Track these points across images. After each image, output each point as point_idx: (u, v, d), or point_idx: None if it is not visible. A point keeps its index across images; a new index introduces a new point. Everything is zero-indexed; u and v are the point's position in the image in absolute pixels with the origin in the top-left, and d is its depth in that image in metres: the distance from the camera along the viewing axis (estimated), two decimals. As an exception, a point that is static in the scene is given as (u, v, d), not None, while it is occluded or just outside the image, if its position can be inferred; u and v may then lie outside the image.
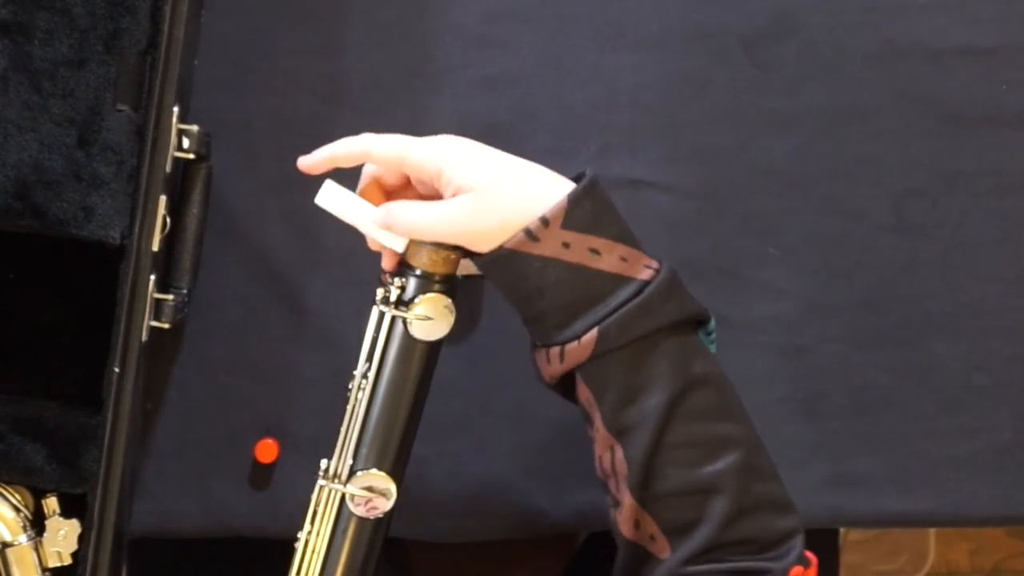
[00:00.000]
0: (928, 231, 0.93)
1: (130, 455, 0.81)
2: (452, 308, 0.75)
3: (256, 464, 0.91)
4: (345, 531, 0.76)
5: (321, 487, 0.76)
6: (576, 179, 0.74)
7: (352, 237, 0.90)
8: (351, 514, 0.76)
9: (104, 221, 0.76)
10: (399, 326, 0.75)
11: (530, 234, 0.71)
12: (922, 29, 0.92)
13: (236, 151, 0.89)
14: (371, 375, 0.75)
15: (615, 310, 0.71)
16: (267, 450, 0.90)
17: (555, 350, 0.73)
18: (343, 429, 0.76)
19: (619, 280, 0.71)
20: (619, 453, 0.73)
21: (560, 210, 0.71)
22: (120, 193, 0.76)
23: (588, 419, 0.75)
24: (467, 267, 0.87)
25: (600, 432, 0.74)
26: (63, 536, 0.78)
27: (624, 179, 0.91)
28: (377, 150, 0.74)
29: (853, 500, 0.93)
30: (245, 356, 0.90)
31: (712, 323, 0.75)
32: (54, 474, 0.78)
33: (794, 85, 0.91)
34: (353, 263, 0.89)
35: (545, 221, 0.71)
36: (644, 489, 0.72)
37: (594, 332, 0.71)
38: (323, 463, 0.76)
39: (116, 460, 0.77)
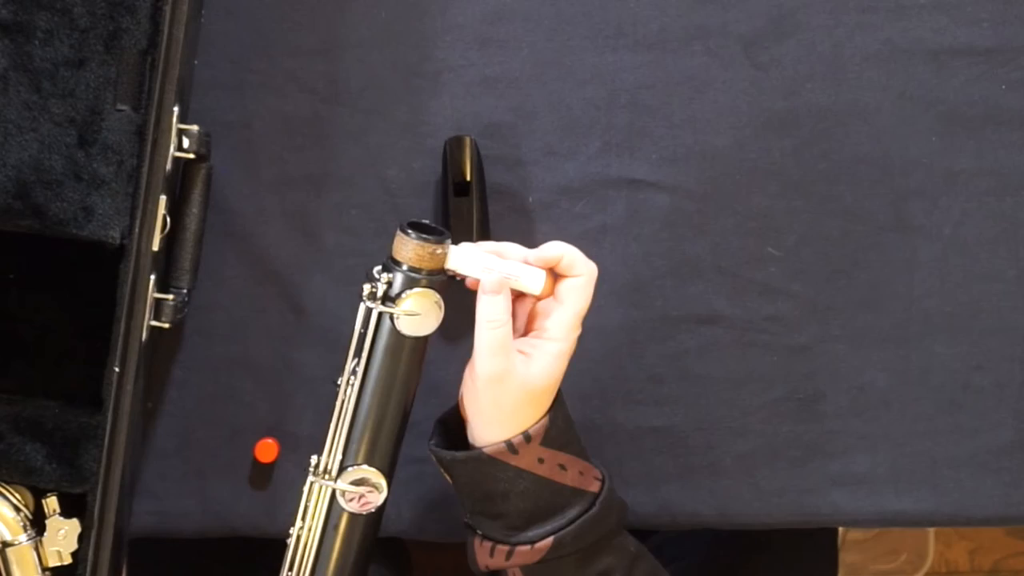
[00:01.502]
0: (928, 231, 0.93)
1: (130, 455, 0.81)
2: (440, 303, 0.75)
3: (256, 464, 0.91)
4: (336, 527, 0.77)
5: (312, 483, 0.76)
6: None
7: (352, 237, 0.90)
8: (342, 509, 0.76)
9: (104, 221, 0.76)
10: (386, 322, 0.75)
11: (511, 447, 0.75)
12: (922, 29, 0.92)
13: (236, 151, 0.89)
14: (359, 371, 0.75)
15: (571, 522, 0.76)
16: (267, 450, 0.90)
17: (503, 548, 0.77)
18: (332, 425, 0.76)
19: (576, 493, 0.77)
20: None
21: (542, 429, 0.76)
22: (120, 193, 0.76)
23: None
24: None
25: None
26: (63, 536, 0.78)
27: (624, 179, 0.91)
28: (566, 262, 0.76)
29: (853, 500, 0.93)
30: (245, 356, 0.90)
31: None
32: (54, 474, 0.78)
33: (794, 85, 0.91)
34: (353, 263, 0.90)
35: (528, 437, 0.75)
36: None
37: (549, 540, 0.76)
38: (313, 459, 0.76)
39: (116, 460, 0.77)
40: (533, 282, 0.76)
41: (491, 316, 0.74)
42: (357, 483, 0.76)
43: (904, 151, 0.92)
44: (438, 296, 0.75)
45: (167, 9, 0.75)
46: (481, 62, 0.90)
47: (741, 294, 0.92)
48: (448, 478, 0.79)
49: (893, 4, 0.91)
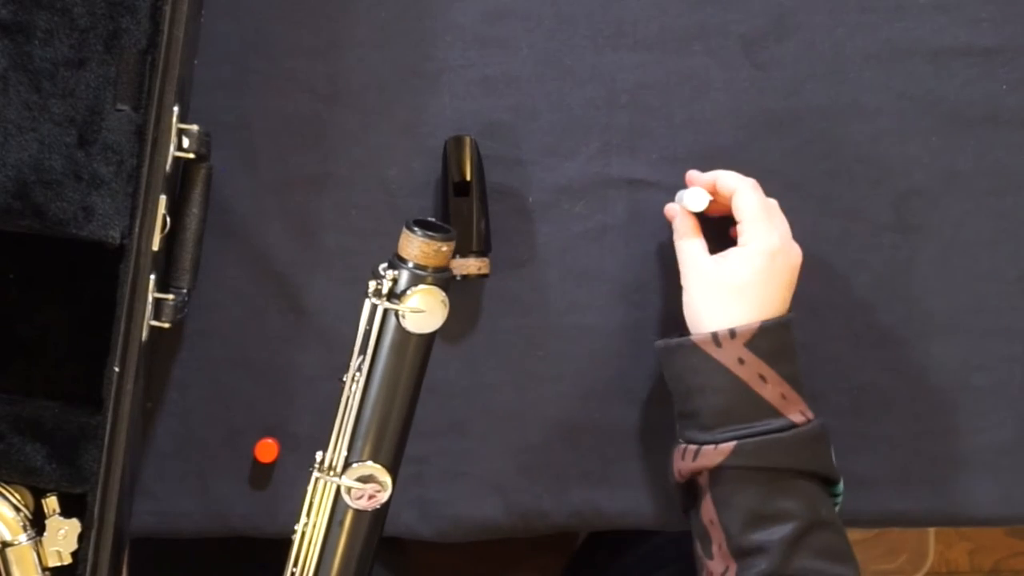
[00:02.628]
0: (928, 231, 0.93)
1: (130, 455, 0.81)
2: (446, 301, 0.75)
3: (256, 464, 0.91)
4: (341, 523, 0.77)
5: (316, 479, 0.76)
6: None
7: (352, 237, 0.90)
8: (347, 506, 0.76)
9: (104, 221, 0.76)
10: (392, 319, 0.75)
11: (716, 339, 0.78)
12: (922, 29, 0.92)
13: (236, 151, 0.89)
14: (364, 368, 0.75)
15: (759, 434, 0.77)
16: (267, 450, 0.90)
17: (692, 448, 0.79)
18: (337, 421, 0.76)
19: (772, 411, 0.79)
20: (733, 573, 0.77)
21: (750, 332, 0.79)
22: (120, 193, 0.76)
23: (703, 538, 0.79)
24: (466, 267, 0.87)
25: (720, 550, 0.78)
26: (63, 536, 0.78)
27: (624, 179, 0.91)
28: (722, 184, 0.85)
29: (853, 500, 0.93)
30: (245, 356, 0.90)
31: (840, 486, 0.81)
32: (54, 474, 0.78)
33: (794, 85, 0.91)
34: (353, 263, 0.90)
35: (732, 334, 0.78)
36: None
37: (732, 444, 0.77)
38: (318, 455, 0.76)
39: (116, 460, 0.77)
40: (695, 202, 0.85)
41: (677, 229, 0.86)
42: (362, 479, 0.76)
43: (904, 151, 0.92)
44: (443, 293, 0.75)
45: (167, 9, 0.75)
46: (481, 62, 0.90)
47: (741, 294, 0.92)
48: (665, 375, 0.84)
49: (893, 4, 0.91)
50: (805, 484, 0.78)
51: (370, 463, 0.76)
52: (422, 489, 0.91)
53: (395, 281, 0.75)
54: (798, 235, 0.90)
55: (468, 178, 0.87)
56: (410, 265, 0.74)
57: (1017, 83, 0.92)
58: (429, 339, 0.76)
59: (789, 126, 0.91)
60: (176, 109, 0.76)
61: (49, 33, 0.75)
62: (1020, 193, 0.93)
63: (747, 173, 0.91)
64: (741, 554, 0.77)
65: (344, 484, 0.76)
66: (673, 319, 0.91)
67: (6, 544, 0.78)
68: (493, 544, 0.96)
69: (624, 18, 0.91)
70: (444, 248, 0.74)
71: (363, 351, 0.75)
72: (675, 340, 0.82)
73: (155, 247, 0.77)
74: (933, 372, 0.93)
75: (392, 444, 0.76)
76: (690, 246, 0.84)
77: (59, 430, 0.78)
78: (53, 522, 0.78)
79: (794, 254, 0.83)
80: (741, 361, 0.78)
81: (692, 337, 0.80)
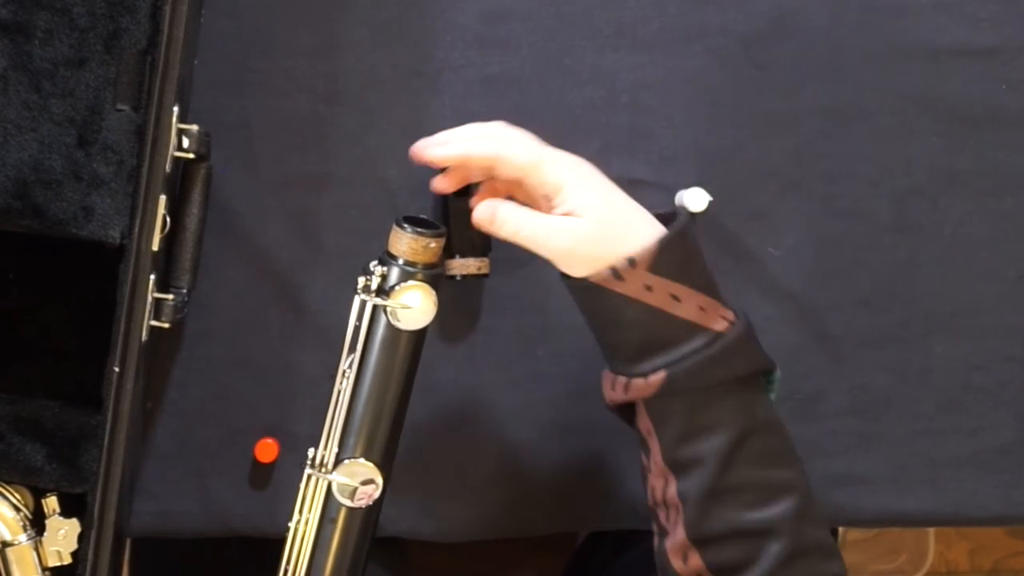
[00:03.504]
0: (928, 231, 0.93)
1: (130, 455, 0.81)
2: (435, 297, 0.75)
3: (256, 464, 0.91)
4: (334, 520, 0.77)
5: (309, 476, 0.76)
6: (665, 217, 0.76)
7: (352, 237, 0.90)
8: (339, 503, 0.76)
9: (104, 221, 0.76)
10: (381, 315, 0.75)
11: (616, 273, 0.73)
12: (922, 29, 0.92)
13: (236, 151, 0.89)
14: (355, 365, 0.75)
15: (686, 357, 0.73)
16: (267, 450, 0.90)
17: (621, 379, 0.76)
18: (328, 419, 0.76)
19: (694, 329, 0.74)
20: (673, 487, 0.75)
21: (648, 254, 0.73)
22: (120, 193, 0.76)
23: (644, 447, 0.77)
24: (466, 267, 0.87)
25: (656, 463, 0.75)
26: (63, 536, 0.78)
27: (624, 179, 0.90)
28: (509, 155, 0.76)
29: (853, 500, 0.93)
30: (245, 356, 0.90)
31: (777, 373, 0.77)
32: (54, 474, 0.78)
33: (794, 85, 0.91)
34: (353, 263, 0.89)
35: (632, 262, 0.73)
36: (699, 527, 0.74)
37: (662, 374, 0.73)
38: (311, 452, 0.76)
39: (116, 460, 0.77)
40: (695, 202, 0.85)
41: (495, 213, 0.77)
42: (354, 477, 0.76)
43: (904, 151, 0.92)
44: (433, 290, 0.75)
45: (167, 9, 0.75)
46: (481, 62, 0.90)
47: (741, 294, 0.92)
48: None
49: (893, 4, 0.91)
50: (738, 388, 0.74)
51: (362, 460, 0.76)
52: (422, 489, 0.91)
53: (384, 277, 0.75)
54: (798, 235, 0.90)
55: (468, 178, 0.87)
56: (400, 262, 0.74)
57: (1017, 83, 0.92)
58: (419, 335, 0.76)
59: (789, 126, 0.91)
60: (176, 109, 0.76)
61: (49, 33, 0.75)
62: (1020, 193, 0.93)
63: (747, 173, 0.91)
64: (678, 467, 0.74)
65: (335, 481, 0.76)
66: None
67: (6, 544, 0.78)
68: (493, 544, 0.96)
69: (624, 18, 0.91)
70: (433, 244, 0.74)
71: (353, 348, 0.75)
72: (573, 280, 0.75)
73: (155, 247, 0.77)
74: (933, 372, 0.93)
75: (384, 441, 0.76)
76: (518, 214, 0.76)
77: (59, 430, 0.78)
78: (53, 522, 0.78)
79: (570, 158, 0.77)
80: (649, 288, 0.73)
81: (591, 278, 0.74)
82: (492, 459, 0.92)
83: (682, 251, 0.75)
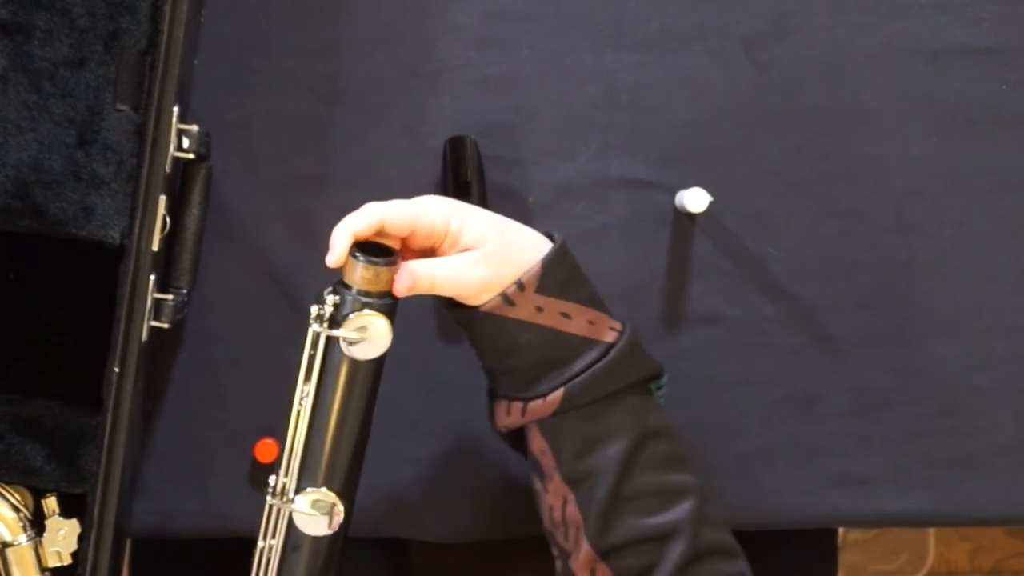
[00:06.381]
0: (928, 231, 0.93)
1: (130, 455, 0.81)
2: (388, 327, 0.73)
3: (256, 464, 0.90)
4: (298, 547, 0.76)
5: (271, 505, 0.76)
6: (549, 236, 0.77)
7: (352, 237, 0.90)
8: (300, 532, 0.75)
9: (104, 221, 0.76)
10: (334, 345, 0.73)
11: (507, 299, 0.74)
12: (922, 29, 0.92)
13: (236, 151, 0.89)
14: (311, 394, 0.74)
15: (581, 372, 0.74)
16: (267, 450, 0.90)
17: (517, 404, 0.76)
18: (288, 447, 0.75)
19: (586, 343, 0.75)
20: (572, 503, 0.75)
21: (534, 276, 0.74)
22: (120, 193, 0.76)
23: (538, 470, 0.77)
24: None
25: (554, 482, 0.76)
26: (63, 536, 0.78)
27: (624, 179, 0.91)
28: (391, 216, 0.74)
29: (853, 500, 0.93)
30: (245, 356, 0.90)
31: (664, 378, 0.78)
32: (54, 474, 0.78)
33: (794, 85, 0.91)
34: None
35: (521, 286, 0.74)
36: (603, 538, 0.74)
37: (560, 392, 0.74)
38: (271, 479, 0.76)
39: (116, 460, 0.77)
40: (695, 202, 0.86)
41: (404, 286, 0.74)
42: (314, 506, 0.75)
43: (904, 151, 0.92)
44: (386, 319, 0.73)
45: (167, 9, 0.75)
46: (481, 62, 0.90)
47: (741, 294, 0.92)
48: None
49: (893, 4, 0.91)
50: (629, 396, 0.75)
51: (324, 490, 0.75)
52: (422, 489, 0.91)
53: (336, 307, 0.73)
54: (798, 235, 0.90)
55: (468, 178, 0.87)
56: (353, 291, 0.73)
57: (1017, 83, 0.92)
58: (377, 364, 0.74)
59: (789, 126, 0.91)
60: (176, 109, 0.76)
61: (49, 33, 0.75)
62: (1020, 193, 0.93)
63: (747, 173, 0.91)
64: (576, 482, 0.75)
65: (296, 510, 0.75)
66: (673, 319, 0.92)
67: (6, 544, 0.78)
68: (493, 544, 0.95)
69: (624, 18, 0.91)
70: (384, 275, 0.73)
71: (308, 377, 0.74)
72: (464, 313, 0.76)
73: (155, 247, 0.77)
74: (933, 372, 0.93)
75: (345, 469, 0.75)
76: (428, 265, 0.75)
77: (59, 430, 0.78)
78: (53, 522, 0.78)
79: (450, 200, 0.76)
80: (539, 309, 0.74)
81: (482, 308, 0.74)
82: (492, 459, 0.92)
83: (564, 268, 0.76)
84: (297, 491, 0.75)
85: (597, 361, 0.74)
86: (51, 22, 0.75)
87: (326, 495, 0.75)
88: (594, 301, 0.76)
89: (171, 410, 0.90)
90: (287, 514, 0.75)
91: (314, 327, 0.73)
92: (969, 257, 0.93)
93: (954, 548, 1.71)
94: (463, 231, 0.74)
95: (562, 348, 0.75)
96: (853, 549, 1.68)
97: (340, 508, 0.75)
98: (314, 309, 0.73)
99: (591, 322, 0.75)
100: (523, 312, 0.74)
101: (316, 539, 0.76)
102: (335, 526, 0.75)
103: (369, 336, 0.73)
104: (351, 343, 0.73)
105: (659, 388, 0.79)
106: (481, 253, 0.74)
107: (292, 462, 0.75)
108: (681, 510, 0.74)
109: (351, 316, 0.73)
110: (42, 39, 0.75)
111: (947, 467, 0.94)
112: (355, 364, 0.74)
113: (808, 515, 0.94)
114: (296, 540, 0.76)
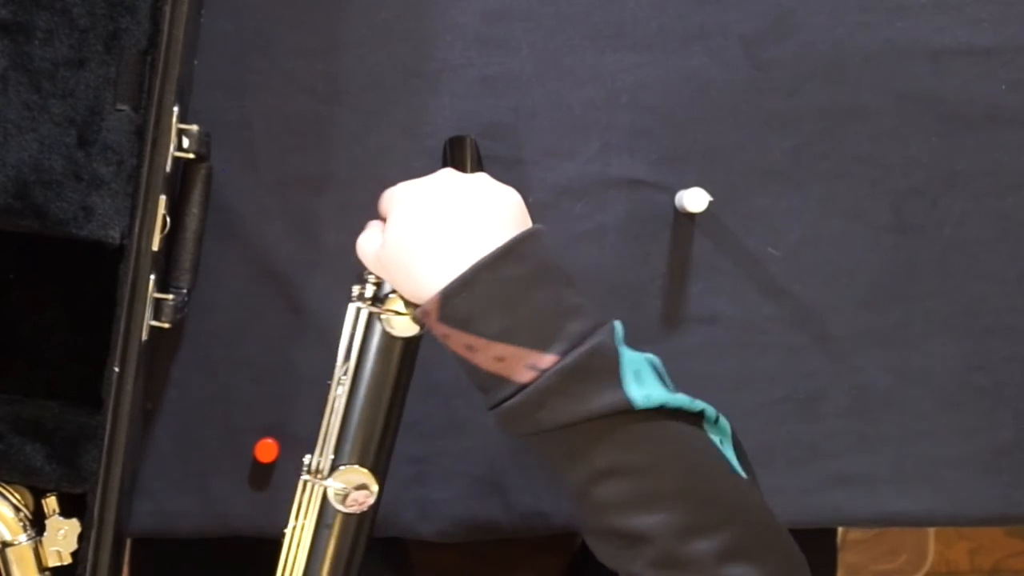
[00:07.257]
0: (928, 231, 0.93)
1: (130, 455, 0.81)
2: None
3: (256, 464, 0.91)
4: (330, 526, 0.77)
5: (305, 481, 0.77)
6: (518, 239, 0.71)
7: (352, 237, 0.90)
8: (334, 509, 0.77)
9: (104, 221, 0.76)
10: (375, 323, 0.75)
11: (417, 320, 0.74)
12: (922, 29, 0.92)
13: (236, 151, 0.89)
14: (350, 372, 0.76)
15: (496, 405, 0.70)
16: (267, 450, 0.90)
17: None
18: (324, 425, 0.77)
19: (496, 379, 0.69)
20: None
21: (434, 304, 0.70)
22: (120, 193, 0.76)
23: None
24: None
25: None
26: (63, 536, 0.78)
27: (624, 179, 0.91)
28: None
29: (853, 500, 0.93)
30: (245, 356, 0.90)
31: (714, 414, 0.71)
32: (54, 474, 0.78)
33: (794, 85, 0.91)
34: (353, 263, 0.89)
35: (425, 312, 0.71)
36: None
37: (493, 414, 0.70)
38: (307, 458, 0.77)
39: (116, 460, 0.77)
40: (695, 202, 0.86)
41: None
42: (349, 483, 0.76)
43: (904, 151, 0.92)
44: None
45: (167, 9, 0.75)
46: (481, 62, 0.90)
47: (741, 294, 0.92)
48: None
49: (893, 4, 0.91)
50: (570, 437, 0.68)
51: (357, 467, 0.76)
52: (422, 489, 0.91)
53: (379, 285, 0.76)
54: (798, 235, 0.90)
55: (468, 178, 0.87)
56: None
57: (1017, 83, 0.92)
58: (414, 342, 0.76)
59: (789, 126, 0.91)
60: (176, 109, 0.76)
61: (49, 33, 0.75)
62: (1020, 193, 0.93)
63: (747, 173, 0.91)
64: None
65: (331, 487, 0.76)
66: (673, 319, 0.92)
67: (6, 544, 0.78)
68: (493, 544, 0.95)
69: (624, 18, 0.91)
70: None
71: (348, 355, 0.76)
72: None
73: (155, 247, 0.77)
74: (933, 372, 0.93)
75: (378, 447, 0.77)
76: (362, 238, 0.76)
77: (59, 430, 0.78)
78: (53, 522, 0.78)
79: (417, 195, 0.74)
80: (446, 336, 0.70)
81: (415, 314, 0.73)
82: (492, 459, 0.92)
83: (469, 301, 0.69)
84: (332, 469, 0.76)
85: (507, 400, 0.69)
86: (51, 22, 0.75)
87: (361, 472, 0.76)
88: (509, 335, 0.68)
89: (171, 410, 0.90)
90: (321, 491, 0.76)
91: (355, 304, 0.75)
92: (969, 257, 0.93)
93: (954, 548, 1.71)
94: (388, 225, 0.75)
95: (476, 376, 0.71)
96: (853, 549, 1.68)
97: (374, 485, 0.76)
98: (355, 288, 0.76)
99: (499, 359, 0.68)
100: (436, 333, 0.71)
101: (349, 517, 0.77)
102: (369, 503, 0.76)
103: (410, 313, 0.75)
104: (392, 321, 0.75)
105: (709, 420, 0.71)
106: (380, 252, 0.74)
107: (328, 439, 0.76)
108: (642, 555, 0.68)
109: (392, 294, 0.75)
110: (42, 39, 0.75)
111: (947, 467, 0.94)
112: (395, 341, 0.75)
113: (808, 515, 0.94)
114: (328, 519, 0.77)
